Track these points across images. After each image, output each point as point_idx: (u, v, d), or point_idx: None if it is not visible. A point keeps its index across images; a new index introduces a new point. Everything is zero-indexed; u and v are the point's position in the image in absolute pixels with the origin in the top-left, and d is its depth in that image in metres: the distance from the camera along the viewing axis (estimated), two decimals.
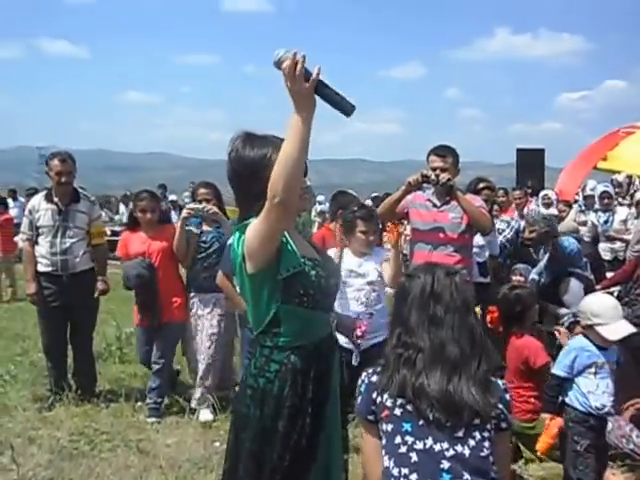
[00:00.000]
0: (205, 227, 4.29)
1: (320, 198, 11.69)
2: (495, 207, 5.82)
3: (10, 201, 13.87)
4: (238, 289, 2.18)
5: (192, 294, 4.34)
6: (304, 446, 1.97)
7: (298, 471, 1.97)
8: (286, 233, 1.96)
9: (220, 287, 4.02)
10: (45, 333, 4.64)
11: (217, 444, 3.73)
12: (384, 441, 1.59)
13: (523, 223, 5.62)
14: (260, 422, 1.97)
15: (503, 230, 5.49)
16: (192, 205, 4.17)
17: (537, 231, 4.84)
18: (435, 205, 4.05)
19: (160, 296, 4.23)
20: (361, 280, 3.59)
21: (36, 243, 4.50)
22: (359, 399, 1.70)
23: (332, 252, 3.58)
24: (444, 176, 3.85)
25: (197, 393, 4.25)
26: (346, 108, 1.77)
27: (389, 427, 1.57)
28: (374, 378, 1.67)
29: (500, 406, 1.56)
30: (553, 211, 8.25)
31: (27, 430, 4.05)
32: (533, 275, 4.95)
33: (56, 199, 4.47)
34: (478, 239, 4.38)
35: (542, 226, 4.83)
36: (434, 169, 3.97)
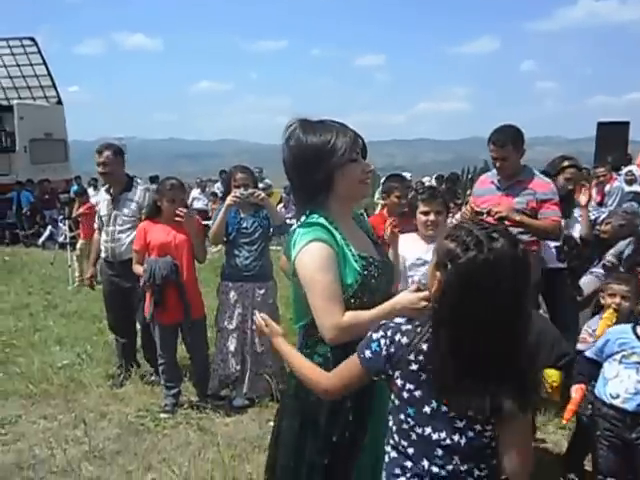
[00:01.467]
0: (242, 214, 4.26)
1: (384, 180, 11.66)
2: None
3: (91, 190, 14.67)
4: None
5: (227, 282, 4.29)
6: (347, 443, 1.95)
7: (340, 469, 1.96)
8: (339, 236, 1.91)
9: (282, 270, 3.88)
10: (108, 313, 4.99)
11: (271, 424, 3.84)
12: (390, 405, 1.56)
13: (604, 216, 5.03)
14: (302, 413, 1.98)
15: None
16: (238, 192, 4.06)
17: (612, 224, 4.48)
18: (499, 188, 3.90)
19: (188, 292, 4.15)
20: (427, 267, 3.32)
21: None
22: (368, 352, 1.54)
23: (406, 238, 3.18)
24: (495, 211, 3.59)
25: (245, 383, 4.31)
26: None
27: (396, 401, 1.53)
28: (392, 349, 1.50)
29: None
30: (637, 188, 7.73)
31: (99, 406, 4.35)
32: (610, 257, 4.63)
33: (111, 189, 4.71)
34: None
35: (618, 219, 4.45)
36: (494, 159, 3.85)
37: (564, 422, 3.24)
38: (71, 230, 10.70)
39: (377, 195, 12.22)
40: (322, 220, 1.94)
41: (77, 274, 9.54)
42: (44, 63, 17.70)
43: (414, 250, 3.35)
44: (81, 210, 10.21)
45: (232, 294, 4.26)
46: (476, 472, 1.47)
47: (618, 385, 2.73)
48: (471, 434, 1.45)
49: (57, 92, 18.11)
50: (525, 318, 1.43)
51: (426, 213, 3.35)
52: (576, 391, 2.89)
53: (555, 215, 3.80)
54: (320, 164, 1.89)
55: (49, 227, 14.54)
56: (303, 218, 1.97)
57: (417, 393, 1.48)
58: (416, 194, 3.58)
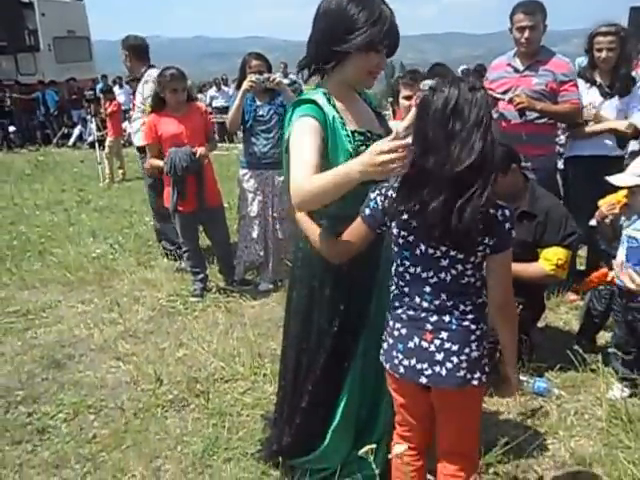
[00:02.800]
0: (258, 102, 4.22)
1: None
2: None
3: (117, 88, 14.55)
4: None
5: (246, 170, 4.33)
6: (354, 313, 2.03)
7: (348, 338, 2.05)
8: (335, 114, 1.88)
9: None
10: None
11: None
12: (392, 253, 1.79)
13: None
14: (308, 283, 2.06)
15: None
16: (254, 77, 4.02)
17: None
18: (517, 70, 3.77)
19: (204, 180, 4.21)
20: None
21: None
22: (367, 210, 1.76)
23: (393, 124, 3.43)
24: (518, 102, 3.54)
25: (269, 269, 4.46)
26: None
27: (395, 248, 1.77)
28: (387, 203, 1.71)
29: (487, 240, 1.60)
30: None
31: (132, 291, 4.57)
32: (634, 146, 4.46)
33: None
34: (615, 102, 3.82)
35: None
36: (522, 28, 3.66)
37: (577, 295, 3.29)
38: (99, 129, 10.75)
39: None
40: (318, 96, 1.90)
41: (107, 171, 9.70)
42: None
43: None
44: (110, 109, 10.21)
45: (252, 182, 4.31)
46: (461, 307, 1.70)
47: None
48: (454, 272, 1.68)
49: None
50: (481, 148, 1.55)
51: (408, 98, 3.22)
52: (600, 270, 2.92)
53: (575, 97, 3.72)
54: (346, 36, 1.80)
55: (78, 127, 14.63)
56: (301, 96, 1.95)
57: (410, 238, 1.71)
58: (398, 79, 3.46)
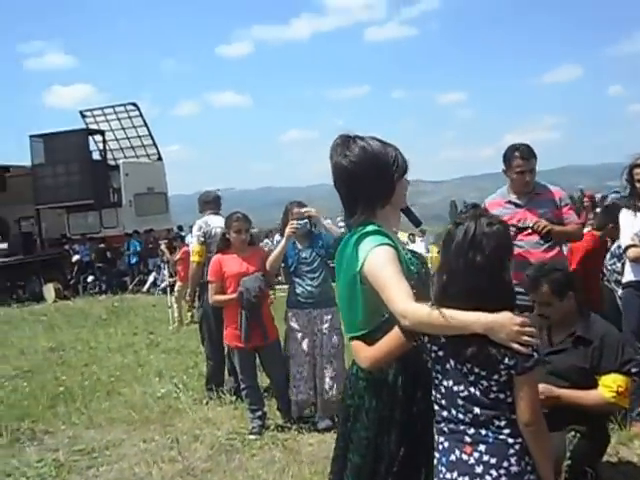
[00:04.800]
0: (299, 246, 4.43)
1: None
2: None
3: (189, 237, 15.59)
4: (338, 291, 2.20)
5: (294, 310, 4.45)
6: (420, 433, 2.02)
7: (412, 459, 2.02)
8: (395, 244, 2.01)
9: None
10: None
11: None
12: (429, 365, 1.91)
13: None
14: (376, 412, 2.04)
15: None
16: (295, 222, 4.23)
17: None
18: (519, 205, 3.91)
19: (264, 316, 4.41)
20: None
21: None
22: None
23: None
24: (543, 225, 3.65)
25: (320, 406, 4.44)
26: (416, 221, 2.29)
27: (430, 361, 1.87)
28: None
29: (507, 361, 1.68)
30: None
31: (193, 429, 4.60)
32: None
33: None
34: None
35: None
36: (522, 172, 3.84)
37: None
38: (171, 275, 11.39)
39: None
40: (379, 228, 2.03)
41: (176, 314, 10.10)
42: (145, 124, 19.22)
43: None
44: (178, 255, 10.88)
45: (300, 321, 4.42)
46: (496, 422, 1.75)
47: None
48: (481, 387, 1.75)
49: (157, 150, 19.56)
50: (494, 276, 1.75)
51: None
52: None
53: (576, 218, 4.05)
54: (388, 172, 2.04)
55: (153, 273, 15.51)
56: (359, 229, 2.04)
57: (440, 353, 1.82)
58: (461, 213, 3.60)
